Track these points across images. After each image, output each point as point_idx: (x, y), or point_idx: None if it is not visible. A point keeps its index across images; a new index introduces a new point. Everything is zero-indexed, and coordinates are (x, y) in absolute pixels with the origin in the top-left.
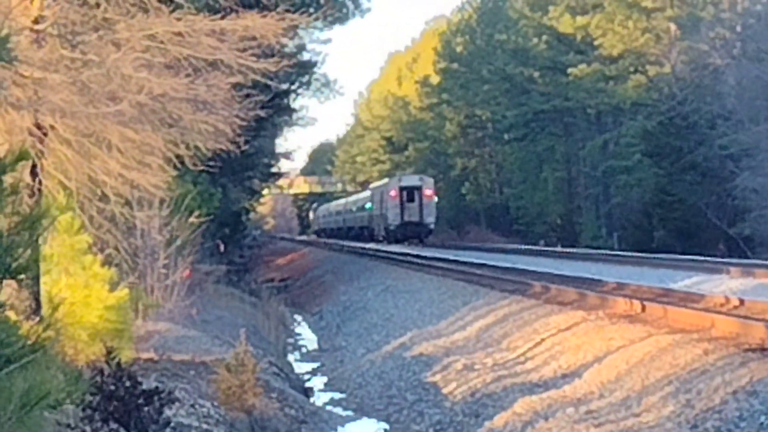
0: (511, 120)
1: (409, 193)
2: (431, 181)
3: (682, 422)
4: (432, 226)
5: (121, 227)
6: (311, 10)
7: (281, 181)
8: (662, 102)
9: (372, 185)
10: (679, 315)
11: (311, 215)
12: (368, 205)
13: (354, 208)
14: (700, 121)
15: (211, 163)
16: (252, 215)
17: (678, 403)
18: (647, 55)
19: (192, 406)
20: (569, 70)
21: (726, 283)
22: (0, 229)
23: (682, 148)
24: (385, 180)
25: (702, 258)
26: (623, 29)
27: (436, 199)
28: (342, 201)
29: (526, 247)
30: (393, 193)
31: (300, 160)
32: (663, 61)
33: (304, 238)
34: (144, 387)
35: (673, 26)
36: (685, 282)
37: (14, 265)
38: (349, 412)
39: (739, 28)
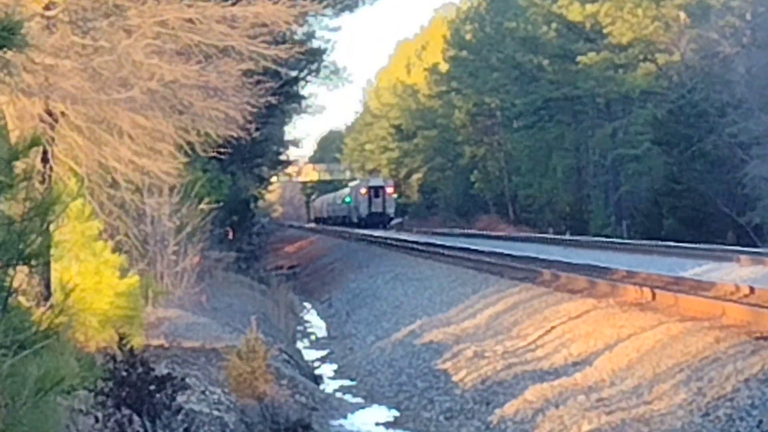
0: (520, 108)
1: (375, 191)
2: (391, 181)
3: (694, 410)
4: (392, 215)
5: (132, 214)
6: None
7: (290, 169)
8: (672, 90)
9: (350, 184)
10: (690, 303)
11: (313, 205)
12: (348, 199)
13: (339, 201)
14: (709, 109)
15: (221, 150)
16: (260, 203)
17: (689, 391)
18: (657, 43)
19: (203, 392)
20: (578, 58)
21: (736, 272)
22: (12, 215)
23: (692, 137)
24: (358, 181)
25: (712, 246)
26: (633, 17)
27: (395, 195)
28: (331, 195)
29: (535, 235)
30: (363, 191)
31: (309, 148)
32: (672, 49)
33: (312, 225)
34: (156, 373)
35: (682, 14)
36: (695, 270)
37: (26, 251)
38: (359, 399)
39: (748, 16)
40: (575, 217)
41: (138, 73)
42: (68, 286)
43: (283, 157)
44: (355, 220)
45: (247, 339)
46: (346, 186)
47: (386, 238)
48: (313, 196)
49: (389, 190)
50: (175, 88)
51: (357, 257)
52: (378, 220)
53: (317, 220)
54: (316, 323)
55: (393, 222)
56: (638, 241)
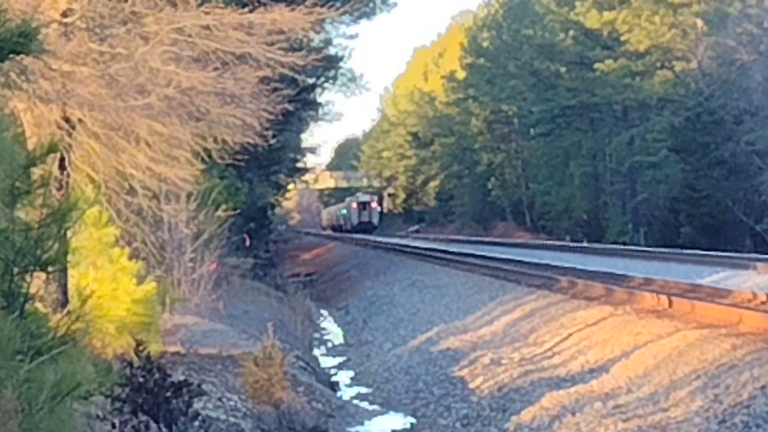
0: (537, 115)
1: (363, 205)
2: (376, 197)
3: (711, 417)
4: (376, 224)
5: (149, 221)
6: (338, 4)
7: (307, 176)
8: (689, 98)
9: (346, 200)
10: (707, 310)
11: (321, 215)
12: (344, 211)
13: (339, 213)
14: (726, 116)
15: (238, 157)
16: (278, 210)
17: (706, 398)
18: (674, 51)
19: (219, 399)
20: (596, 66)
21: (753, 279)
22: (30, 221)
23: (709, 144)
24: (351, 197)
25: (729, 254)
26: (650, 25)
27: (379, 208)
28: (334, 207)
29: (552, 242)
30: (354, 205)
31: (326, 155)
32: (690, 56)
33: (329, 232)
34: (173, 380)
35: (700, 22)
36: (712, 277)
37: (44, 257)
38: (376, 407)
39: (766, 24)
40: (592, 224)
41: (155, 80)
42: (85, 293)
43: (300, 165)
44: (348, 227)
45: (263, 346)
46: (343, 200)
47: (404, 246)
48: (322, 206)
49: (374, 204)
50: (192, 94)
51: (374, 264)
52: (365, 227)
53: (323, 228)
54: (332, 330)
55: (375, 229)
56: (655, 249)
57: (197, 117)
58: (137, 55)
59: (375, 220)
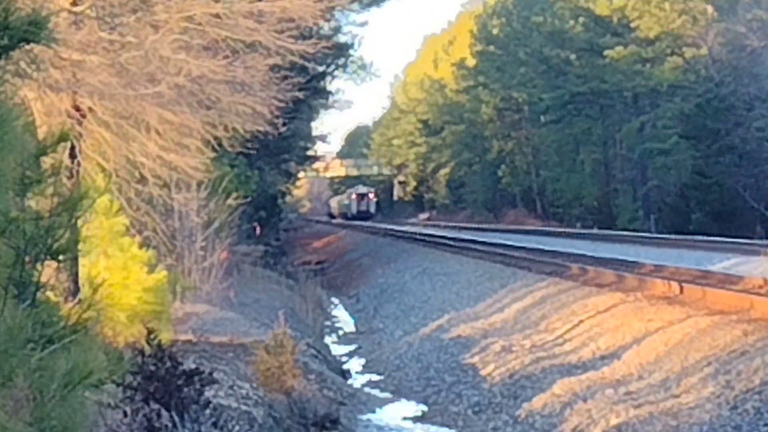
0: (547, 102)
1: (362, 196)
2: (373, 190)
3: (722, 403)
4: (374, 213)
5: (159, 209)
6: None
7: (317, 164)
8: (699, 84)
9: (348, 191)
10: (718, 296)
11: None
12: (346, 202)
13: (343, 203)
14: (737, 103)
15: (248, 146)
16: (288, 198)
17: (718, 384)
18: (684, 37)
19: (231, 387)
20: (606, 53)
21: (764, 265)
22: (40, 210)
23: (720, 131)
24: (352, 189)
25: (739, 240)
26: (660, 11)
27: (375, 199)
28: (338, 197)
29: (563, 229)
30: (354, 196)
31: (336, 143)
32: (700, 43)
33: (340, 221)
34: (184, 368)
35: (710, 8)
36: (723, 264)
37: (55, 246)
38: (387, 394)
39: None
40: (603, 211)
41: (165, 69)
42: (96, 281)
43: (310, 153)
44: (349, 215)
45: (275, 334)
46: (345, 191)
47: (413, 233)
48: (330, 195)
49: (371, 195)
50: (203, 83)
51: (385, 252)
52: (364, 215)
53: (330, 216)
54: (343, 318)
55: (373, 217)
56: (666, 235)
57: (207, 105)
58: (147, 43)
59: (372, 210)
